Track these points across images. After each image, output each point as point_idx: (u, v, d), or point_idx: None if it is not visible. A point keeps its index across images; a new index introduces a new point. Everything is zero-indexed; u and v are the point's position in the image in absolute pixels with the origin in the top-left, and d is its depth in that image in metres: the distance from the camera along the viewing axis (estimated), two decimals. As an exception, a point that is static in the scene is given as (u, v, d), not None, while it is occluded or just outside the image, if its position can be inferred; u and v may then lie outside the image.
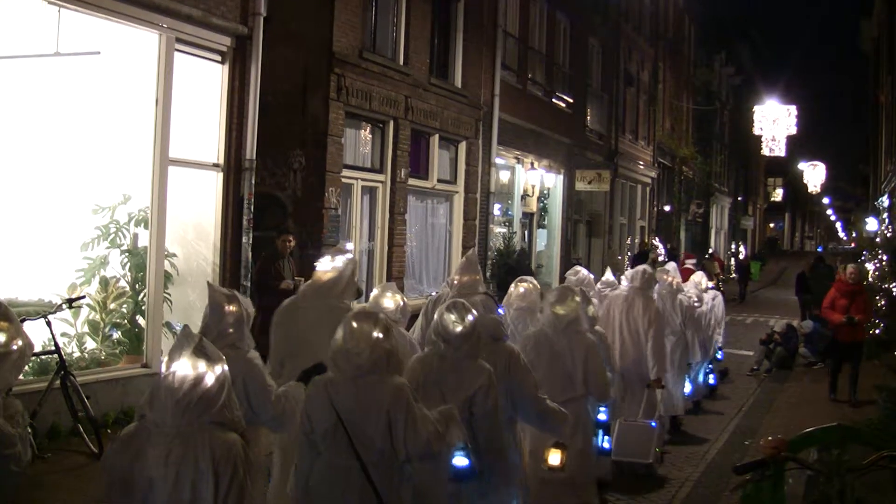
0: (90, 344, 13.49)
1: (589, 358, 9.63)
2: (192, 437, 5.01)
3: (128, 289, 13.95)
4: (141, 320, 13.94)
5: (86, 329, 13.47)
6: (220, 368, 5.18)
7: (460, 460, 6.91)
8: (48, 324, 11.64)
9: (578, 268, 13.21)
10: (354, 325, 6.36)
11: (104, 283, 13.69)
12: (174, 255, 14.51)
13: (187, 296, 14.87)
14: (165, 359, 5.18)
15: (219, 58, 14.99)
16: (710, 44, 56.86)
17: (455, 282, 10.97)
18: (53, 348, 11.63)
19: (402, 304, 9.15)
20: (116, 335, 13.80)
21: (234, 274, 15.12)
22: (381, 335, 6.34)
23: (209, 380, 5.08)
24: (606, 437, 10.33)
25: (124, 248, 14.00)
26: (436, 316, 7.71)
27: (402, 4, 20.62)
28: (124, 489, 5.07)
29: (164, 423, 5.03)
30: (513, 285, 11.59)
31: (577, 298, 9.93)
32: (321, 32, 17.77)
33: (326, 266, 9.05)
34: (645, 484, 11.90)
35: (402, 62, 20.56)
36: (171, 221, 14.18)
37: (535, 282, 11.75)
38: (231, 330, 7.06)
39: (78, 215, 13.67)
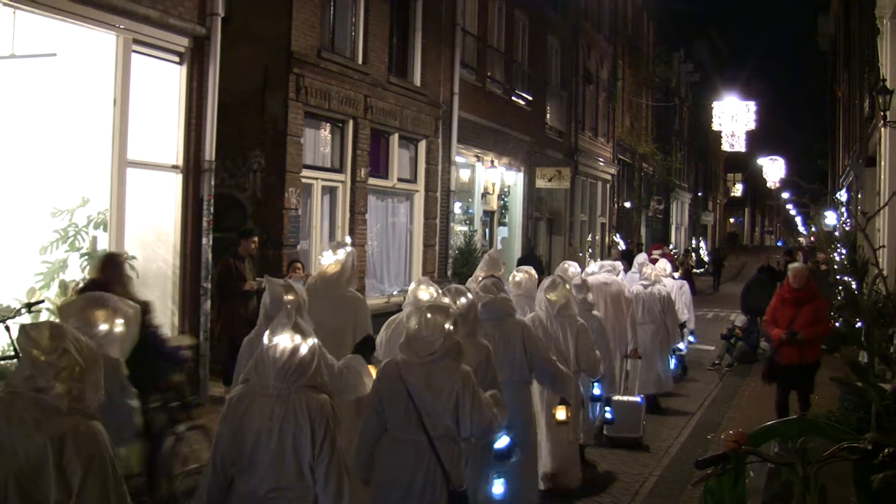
0: (50, 348, 13.35)
1: (579, 338, 11.00)
2: (291, 398, 6.03)
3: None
4: None
5: (45, 333, 13.33)
6: (313, 341, 6.20)
7: (503, 440, 7.94)
8: (7, 329, 11.50)
9: (567, 265, 13.94)
10: (429, 316, 7.31)
11: (63, 286, 13.55)
12: (134, 257, 14.37)
13: (148, 298, 14.76)
14: (268, 332, 6.21)
15: (177, 59, 14.92)
16: (668, 41, 57.19)
17: (480, 278, 11.71)
18: (13, 353, 11.50)
19: (436, 295, 9.54)
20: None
21: (195, 275, 15.06)
22: (452, 327, 7.33)
23: (303, 350, 6.11)
24: (608, 409, 12.37)
25: (83, 251, 13.87)
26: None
27: (361, 4, 20.58)
28: (234, 442, 6.07)
29: (267, 385, 6.06)
30: (511, 274, 12.62)
31: (567, 286, 11.32)
32: (279, 32, 17.74)
33: (329, 260, 10.01)
34: (608, 478, 12.04)
35: (360, 61, 20.53)
36: (131, 224, 14.09)
37: (532, 271, 12.58)
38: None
39: (36, 218, 13.53)
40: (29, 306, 12.32)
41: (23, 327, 5.34)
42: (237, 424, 6.08)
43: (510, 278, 12.38)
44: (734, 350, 22.44)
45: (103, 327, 6.97)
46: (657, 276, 16.92)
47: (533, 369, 9.67)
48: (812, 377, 13.78)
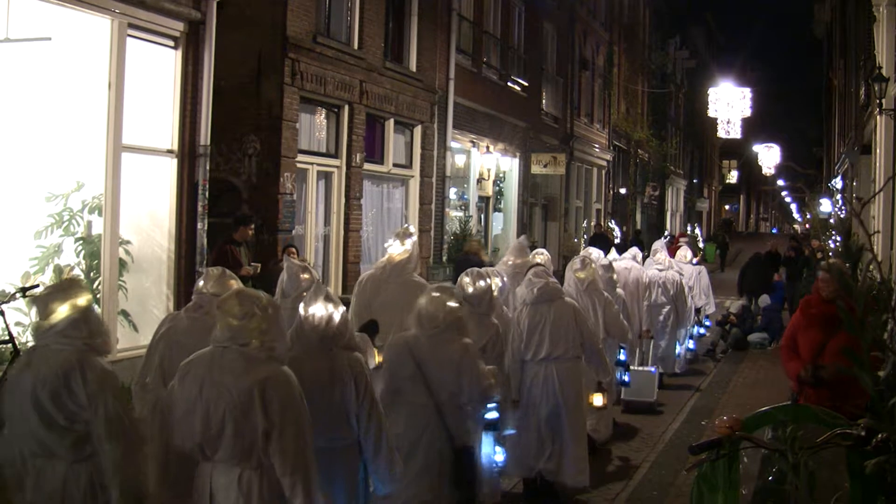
0: (45, 332, 13.33)
1: (606, 309, 12.28)
2: (334, 357, 7.00)
3: (82, 277, 13.81)
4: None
5: (40, 318, 13.32)
6: (342, 307, 7.16)
7: (492, 414, 8.58)
8: (1, 313, 11.50)
9: (591, 249, 15.33)
10: (436, 294, 8.26)
11: (58, 271, 13.53)
12: (129, 242, 14.39)
13: (142, 283, 14.77)
14: (302, 304, 7.12)
15: (172, 43, 14.87)
16: (664, 27, 57.11)
17: (510, 263, 13.02)
18: (7, 338, 11.50)
19: (482, 285, 9.90)
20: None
21: (190, 260, 15.04)
22: (455, 304, 8.26)
23: (337, 317, 7.04)
24: (627, 373, 13.43)
25: (78, 235, 13.85)
26: (458, 281, 9.84)
27: (357, -11, 20.52)
28: None
29: (313, 350, 6.98)
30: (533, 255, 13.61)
31: (594, 266, 12.64)
32: (275, 17, 17.70)
33: (398, 249, 11.05)
34: (602, 463, 12.03)
35: (356, 46, 20.50)
36: (126, 208, 14.06)
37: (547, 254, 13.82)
38: (305, 293, 8.64)
39: (31, 203, 13.50)
40: (24, 291, 12.29)
41: (219, 301, 6.52)
42: None
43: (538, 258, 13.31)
44: (728, 337, 22.49)
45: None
46: (670, 262, 18.10)
47: (583, 344, 10.49)
48: None
